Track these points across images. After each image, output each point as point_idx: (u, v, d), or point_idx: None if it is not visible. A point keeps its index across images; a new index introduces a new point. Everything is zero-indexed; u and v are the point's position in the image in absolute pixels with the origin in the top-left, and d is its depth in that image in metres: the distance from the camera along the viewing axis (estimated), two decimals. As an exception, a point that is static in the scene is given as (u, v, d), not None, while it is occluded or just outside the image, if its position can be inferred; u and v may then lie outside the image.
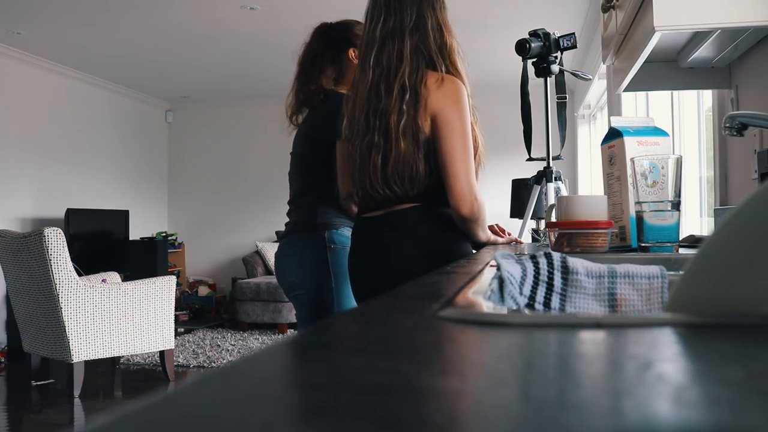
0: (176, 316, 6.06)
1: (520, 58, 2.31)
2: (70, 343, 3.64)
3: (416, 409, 0.20)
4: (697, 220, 2.89)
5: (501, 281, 0.60)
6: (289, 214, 2.04)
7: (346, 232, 1.91)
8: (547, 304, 0.69)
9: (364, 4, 1.66)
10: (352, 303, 1.86)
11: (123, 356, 4.65)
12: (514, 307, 0.63)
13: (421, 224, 1.56)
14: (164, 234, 7.06)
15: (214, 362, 4.68)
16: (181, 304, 6.65)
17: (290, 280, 1.97)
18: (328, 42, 2.03)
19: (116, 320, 3.82)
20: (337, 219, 1.93)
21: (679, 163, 1.21)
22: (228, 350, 5.12)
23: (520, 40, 2.28)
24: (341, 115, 1.82)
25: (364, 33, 1.63)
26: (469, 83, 1.60)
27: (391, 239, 1.57)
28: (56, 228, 3.69)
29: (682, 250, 1.23)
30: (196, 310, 6.81)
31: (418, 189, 1.54)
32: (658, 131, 1.36)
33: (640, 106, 3.79)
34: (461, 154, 1.51)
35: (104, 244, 6.01)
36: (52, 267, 3.61)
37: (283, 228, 2.14)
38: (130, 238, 6.34)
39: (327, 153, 1.90)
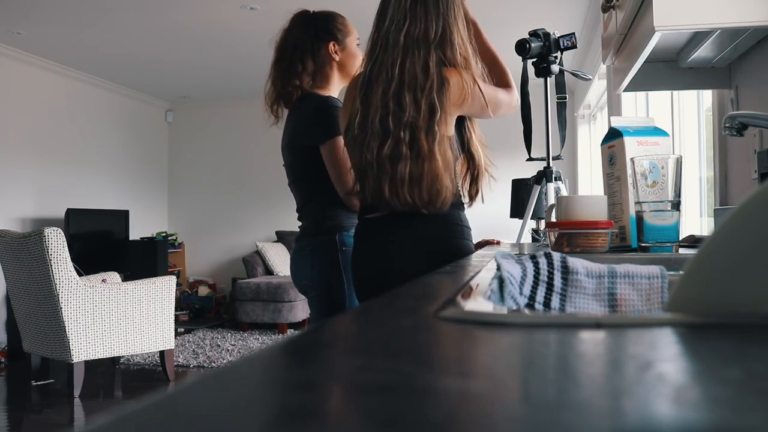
0: (176, 316, 6.06)
1: (520, 58, 2.31)
2: (70, 343, 3.64)
3: (416, 409, 0.20)
4: (697, 220, 2.89)
5: (501, 281, 0.60)
6: (299, 219, 2.04)
7: None
8: (547, 304, 0.69)
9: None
10: None
11: (123, 356, 4.65)
12: (514, 307, 0.63)
13: (424, 225, 1.56)
14: (164, 234, 7.06)
15: (214, 362, 4.68)
16: (181, 304, 6.65)
17: (303, 283, 1.98)
18: (310, 32, 1.99)
19: (116, 320, 3.82)
20: (347, 220, 1.92)
21: (679, 163, 1.21)
22: (228, 350, 5.12)
23: (520, 40, 2.28)
24: (327, 114, 1.83)
25: (380, 32, 1.61)
26: None
27: (394, 240, 1.57)
28: (56, 228, 3.69)
29: (682, 250, 1.23)
30: (196, 310, 6.81)
31: (441, 207, 1.54)
32: (658, 131, 1.36)
33: (640, 106, 3.79)
34: (493, 104, 1.63)
35: (104, 244, 6.01)
36: (52, 267, 3.61)
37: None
38: (130, 238, 6.35)
39: (315, 158, 1.90)
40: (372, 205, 1.62)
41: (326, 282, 1.91)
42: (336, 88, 2.03)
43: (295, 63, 1.97)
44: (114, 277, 4.59)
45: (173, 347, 4.14)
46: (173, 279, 4.18)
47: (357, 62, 2.00)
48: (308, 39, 1.98)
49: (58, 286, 3.62)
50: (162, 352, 4.11)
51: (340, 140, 1.83)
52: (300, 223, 2.04)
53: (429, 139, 1.50)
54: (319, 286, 1.92)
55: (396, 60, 1.55)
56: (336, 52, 1.99)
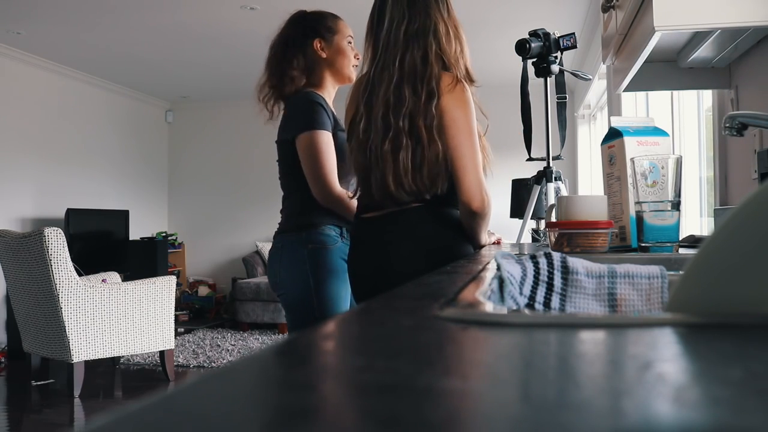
0: (176, 316, 6.06)
1: (520, 58, 2.31)
2: (70, 343, 3.64)
3: (416, 409, 0.20)
4: (697, 220, 2.89)
5: (501, 281, 0.60)
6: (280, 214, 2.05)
7: (328, 231, 1.91)
8: (547, 304, 0.69)
9: (363, 3, 1.65)
10: (333, 302, 1.88)
11: (123, 356, 4.65)
12: (514, 307, 0.63)
13: (423, 224, 1.56)
14: (164, 234, 7.06)
15: (214, 362, 4.68)
16: (181, 304, 6.65)
17: (273, 280, 1.99)
18: (298, 30, 2.02)
19: (116, 320, 3.82)
20: (318, 218, 1.92)
21: (679, 163, 1.21)
22: (228, 350, 5.12)
23: (520, 40, 2.28)
24: (302, 108, 1.86)
25: (380, 33, 1.63)
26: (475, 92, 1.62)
27: (392, 239, 1.57)
28: (56, 228, 3.69)
29: (682, 250, 1.23)
30: (196, 310, 6.81)
31: (442, 189, 1.55)
32: (658, 131, 1.36)
33: (640, 106, 3.79)
34: (468, 149, 1.54)
35: (104, 244, 6.01)
36: (52, 267, 3.61)
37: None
38: (130, 238, 6.34)
39: (294, 153, 1.91)
40: (377, 202, 1.61)
41: (293, 279, 1.91)
42: (330, 88, 2.05)
43: (286, 61, 1.99)
44: (114, 277, 4.59)
45: (173, 347, 4.14)
46: (173, 279, 4.18)
47: (346, 60, 2.03)
48: (297, 36, 2.01)
49: (58, 286, 3.62)
50: (162, 352, 4.11)
51: (316, 135, 1.85)
52: None
53: (429, 124, 1.52)
54: (287, 284, 1.92)
55: (396, 56, 1.57)
56: (322, 49, 2.01)
